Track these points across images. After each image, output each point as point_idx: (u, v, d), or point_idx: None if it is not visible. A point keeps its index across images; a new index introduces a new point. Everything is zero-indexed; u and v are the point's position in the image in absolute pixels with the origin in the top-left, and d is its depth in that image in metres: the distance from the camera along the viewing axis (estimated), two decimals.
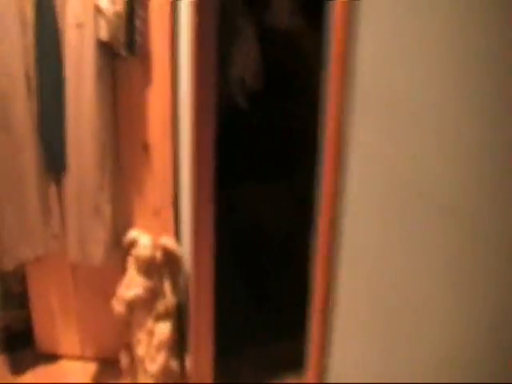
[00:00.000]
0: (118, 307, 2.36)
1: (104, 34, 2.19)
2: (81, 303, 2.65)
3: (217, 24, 2.16)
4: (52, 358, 2.75)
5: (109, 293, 2.51)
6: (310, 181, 3.03)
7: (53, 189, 2.38)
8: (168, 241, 2.39)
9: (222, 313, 2.44)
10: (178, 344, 2.48)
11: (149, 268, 2.34)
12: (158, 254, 2.36)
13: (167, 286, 2.39)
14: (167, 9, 2.27)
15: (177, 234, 2.48)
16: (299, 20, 2.85)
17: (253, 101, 2.58)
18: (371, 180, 1.18)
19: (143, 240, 2.34)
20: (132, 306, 2.36)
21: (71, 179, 2.33)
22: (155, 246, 2.36)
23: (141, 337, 2.39)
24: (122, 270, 2.44)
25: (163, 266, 2.39)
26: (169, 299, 2.38)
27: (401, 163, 1.08)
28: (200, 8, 2.10)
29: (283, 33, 2.82)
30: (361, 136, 1.21)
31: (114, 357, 2.61)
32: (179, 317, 2.49)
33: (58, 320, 2.71)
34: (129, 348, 2.47)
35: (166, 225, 2.46)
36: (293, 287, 3.04)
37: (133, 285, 2.35)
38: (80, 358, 2.72)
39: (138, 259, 2.33)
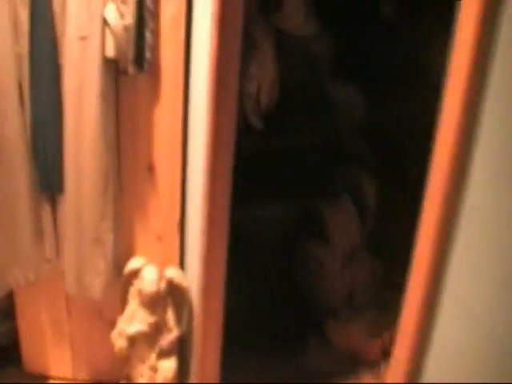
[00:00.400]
0: (120, 342, 2.20)
1: (111, 50, 1.95)
2: (73, 320, 2.47)
3: (241, 40, 1.96)
4: (40, 378, 2.59)
5: (104, 312, 2.35)
6: (322, 200, 2.89)
7: (47, 210, 2.17)
8: (174, 273, 2.23)
9: (230, 340, 2.31)
10: (181, 373, 2.35)
11: (153, 303, 2.18)
12: (164, 287, 2.20)
13: (172, 319, 2.24)
14: (181, 20, 2.04)
15: (182, 261, 2.32)
16: (314, 25, 2.64)
17: (266, 120, 2.39)
18: (458, 329, 1.07)
19: (148, 274, 2.16)
20: (134, 340, 2.20)
21: (69, 204, 2.12)
22: (160, 278, 2.19)
23: (143, 371, 2.25)
24: (121, 294, 2.27)
25: (168, 297, 2.23)
26: (173, 333, 2.23)
27: (487, 316, 0.98)
28: (224, 22, 1.89)
29: (297, 39, 2.61)
30: (454, 288, 1.09)
31: (109, 381, 2.47)
32: (183, 347, 2.35)
33: (48, 337, 2.52)
34: (130, 379, 2.33)
35: (171, 251, 2.28)
36: (306, 310, 2.96)
37: (136, 319, 2.19)
38: (71, 380, 2.57)
39: (142, 294, 2.16)
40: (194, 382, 2.34)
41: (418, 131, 3.43)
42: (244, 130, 2.25)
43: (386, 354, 3.05)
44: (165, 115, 2.12)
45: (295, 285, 2.96)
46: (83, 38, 1.93)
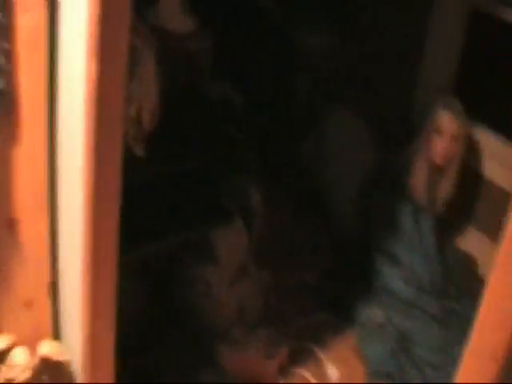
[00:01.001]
0: None
1: None
2: None
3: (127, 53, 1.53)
4: None
5: None
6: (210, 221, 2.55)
7: None
8: (49, 347, 1.80)
9: None
10: None
11: None
12: (39, 367, 1.77)
13: None
14: (42, 37, 1.56)
15: (58, 328, 1.90)
16: (192, 21, 2.24)
17: (149, 144, 1.97)
18: None
19: (18, 357, 1.73)
20: None
21: None
22: (33, 358, 1.76)
23: None
24: None
25: (44, 377, 1.80)
26: None
27: None
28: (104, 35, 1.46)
29: (173, 37, 2.20)
30: None
31: None
32: None
33: None
34: None
35: (43, 320, 1.85)
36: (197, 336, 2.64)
37: None
38: None
39: (12, 381, 1.72)
40: None
41: (303, 127, 3.21)
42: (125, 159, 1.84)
43: (282, 372, 2.85)
44: (26, 159, 1.65)
45: (185, 312, 2.64)
46: None
